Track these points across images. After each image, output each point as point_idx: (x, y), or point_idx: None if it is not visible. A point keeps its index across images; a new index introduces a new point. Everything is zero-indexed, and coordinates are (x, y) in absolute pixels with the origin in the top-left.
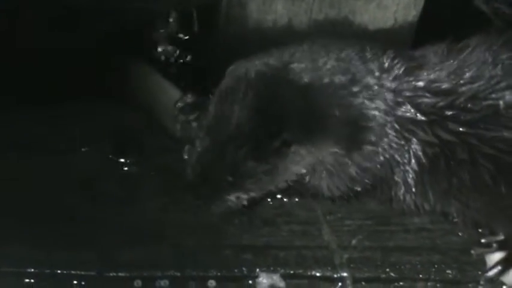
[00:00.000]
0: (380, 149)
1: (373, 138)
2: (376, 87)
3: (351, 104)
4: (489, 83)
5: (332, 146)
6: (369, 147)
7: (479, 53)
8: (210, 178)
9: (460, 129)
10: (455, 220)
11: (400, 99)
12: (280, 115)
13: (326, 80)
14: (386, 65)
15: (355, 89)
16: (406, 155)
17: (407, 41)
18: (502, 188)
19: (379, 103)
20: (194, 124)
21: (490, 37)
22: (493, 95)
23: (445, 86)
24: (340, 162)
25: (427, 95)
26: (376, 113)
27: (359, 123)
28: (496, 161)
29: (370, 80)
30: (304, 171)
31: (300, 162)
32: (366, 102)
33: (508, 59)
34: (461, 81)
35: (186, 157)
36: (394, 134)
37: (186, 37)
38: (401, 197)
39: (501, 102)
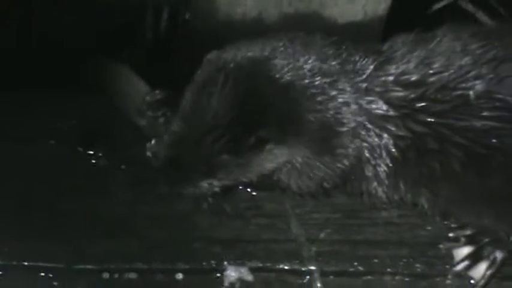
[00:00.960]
0: (351, 151)
1: (345, 142)
2: (350, 90)
3: (327, 109)
4: (459, 73)
5: (303, 149)
6: (340, 151)
7: (448, 43)
8: (182, 167)
9: (431, 120)
10: (426, 210)
11: (371, 98)
12: (258, 111)
13: (306, 81)
14: (359, 64)
15: (333, 93)
16: (378, 150)
17: (377, 34)
18: (471, 177)
19: (353, 106)
20: (161, 120)
21: (459, 27)
22: (463, 85)
23: (414, 77)
24: (310, 164)
25: (397, 88)
26: (350, 116)
27: (333, 129)
28: (466, 150)
29: (346, 83)
30: (277, 167)
31: (274, 160)
32: (341, 106)
33: (478, 48)
34: (431, 71)
35: (148, 153)
36: (365, 133)
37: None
38: (373, 191)
39: (471, 92)
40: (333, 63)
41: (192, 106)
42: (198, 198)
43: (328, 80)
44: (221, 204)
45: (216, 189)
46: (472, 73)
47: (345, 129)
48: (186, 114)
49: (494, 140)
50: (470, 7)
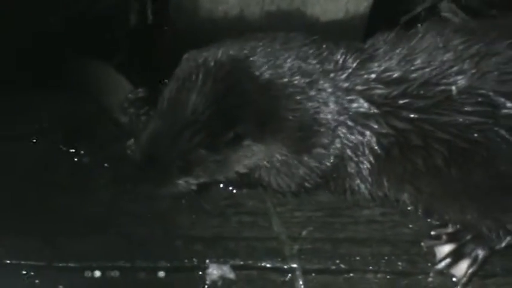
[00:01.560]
0: (331, 150)
1: (324, 141)
2: (330, 89)
3: (306, 109)
4: (441, 68)
5: (281, 147)
6: (320, 150)
7: (430, 39)
8: (159, 161)
9: (414, 116)
10: (408, 207)
11: (353, 96)
12: (237, 108)
13: (285, 80)
14: (339, 62)
15: (312, 92)
16: (360, 148)
17: (359, 32)
18: (453, 172)
19: (333, 105)
20: (143, 118)
21: (441, 24)
22: (446, 80)
23: (396, 74)
24: (288, 163)
25: (379, 86)
26: (330, 115)
27: (311, 128)
28: (449, 145)
29: (326, 82)
30: (254, 165)
31: (251, 158)
32: (321, 106)
33: (461, 44)
34: (413, 68)
35: (129, 151)
36: (347, 131)
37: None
38: (356, 188)
39: (453, 88)
40: (313, 62)
41: (170, 102)
42: (175, 196)
43: (307, 79)
44: (202, 202)
45: (193, 187)
46: (455, 68)
47: (324, 129)
48: (164, 110)
49: (476, 135)
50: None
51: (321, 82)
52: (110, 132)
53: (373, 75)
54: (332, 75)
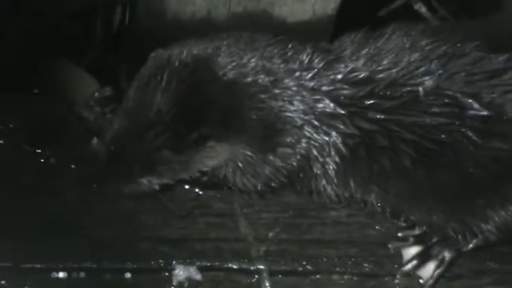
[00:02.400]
0: (297, 149)
1: (289, 140)
2: (295, 88)
3: (270, 107)
4: (408, 69)
5: (245, 147)
6: (285, 149)
7: (396, 40)
8: (123, 161)
9: (380, 116)
10: (376, 209)
11: (318, 96)
12: (200, 108)
13: (249, 80)
14: (305, 62)
15: (276, 91)
16: (326, 149)
17: (326, 33)
18: (420, 173)
19: (298, 104)
20: (109, 116)
21: (407, 25)
22: (412, 81)
23: (362, 75)
24: (253, 163)
25: (345, 86)
26: (295, 114)
27: (276, 127)
28: (416, 146)
29: (291, 82)
30: (218, 165)
31: (215, 158)
32: (285, 105)
33: (428, 44)
34: (379, 68)
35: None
36: (312, 131)
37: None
38: (322, 189)
39: (420, 88)
40: (278, 61)
41: (135, 101)
42: (138, 196)
43: (271, 78)
44: (168, 203)
45: (156, 187)
46: (422, 69)
47: (289, 127)
48: (129, 109)
49: (443, 136)
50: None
51: (286, 81)
52: (76, 133)
53: (339, 76)
54: (297, 74)
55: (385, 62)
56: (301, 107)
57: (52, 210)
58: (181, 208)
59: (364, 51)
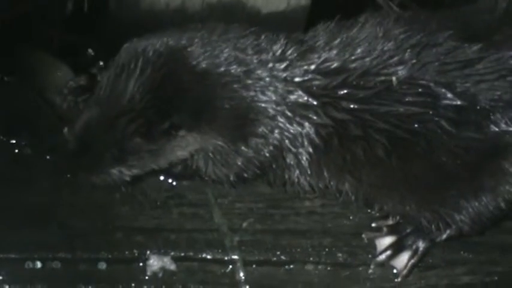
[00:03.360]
0: (270, 140)
1: (261, 130)
2: (268, 79)
3: (242, 97)
4: (381, 58)
5: (216, 137)
6: (257, 139)
7: (370, 29)
8: (93, 149)
9: (354, 106)
10: (349, 199)
11: (291, 87)
12: (172, 97)
13: (222, 70)
14: (278, 53)
15: (249, 81)
16: (299, 139)
17: (301, 24)
18: (394, 162)
19: (270, 95)
20: (82, 106)
21: (380, 14)
22: (386, 71)
23: (335, 64)
24: (225, 153)
25: (318, 77)
26: (267, 105)
27: (248, 117)
28: (389, 135)
29: (263, 72)
30: (189, 155)
31: (186, 148)
32: (258, 95)
33: (401, 34)
34: (352, 58)
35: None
36: (285, 122)
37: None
38: (296, 179)
39: (394, 78)
40: (251, 52)
41: (108, 89)
42: (110, 187)
43: (244, 69)
44: (143, 193)
45: (127, 178)
46: (395, 59)
47: (261, 117)
48: (101, 97)
49: (417, 125)
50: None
51: (258, 72)
52: (51, 123)
53: (312, 66)
54: (270, 65)
55: (358, 52)
56: (274, 98)
57: (26, 200)
58: (156, 198)
59: (337, 41)
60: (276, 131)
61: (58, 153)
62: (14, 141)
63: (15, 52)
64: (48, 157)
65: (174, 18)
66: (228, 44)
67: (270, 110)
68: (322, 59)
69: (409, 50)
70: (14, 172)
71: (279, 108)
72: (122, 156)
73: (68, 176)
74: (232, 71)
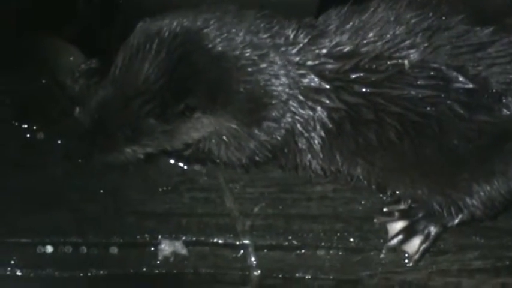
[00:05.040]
0: (282, 124)
1: (274, 114)
2: (281, 63)
3: (257, 81)
4: (393, 42)
5: (231, 120)
6: (270, 123)
7: (381, 13)
8: (107, 128)
9: (366, 90)
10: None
11: (303, 71)
12: (188, 79)
13: (237, 53)
14: (291, 37)
15: (263, 65)
16: (311, 123)
17: (312, 8)
18: (406, 145)
19: (284, 79)
20: (93, 88)
21: None
22: (398, 54)
23: (347, 48)
24: (238, 136)
25: (330, 61)
26: (280, 89)
27: (262, 101)
28: (401, 118)
29: (277, 56)
30: (202, 137)
31: (200, 130)
32: (272, 79)
33: (413, 18)
34: (364, 41)
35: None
36: (297, 106)
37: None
38: (308, 163)
39: (406, 61)
40: (264, 36)
41: (123, 69)
42: (122, 164)
43: (258, 52)
44: (154, 178)
45: (140, 156)
46: (407, 42)
47: (274, 101)
48: (116, 77)
49: (429, 108)
50: None
51: (272, 55)
52: (62, 108)
53: (324, 50)
54: (283, 49)
55: (370, 36)
56: (287, 82)
57: (37, 185)
58: (168, 183)
59: (349, 25)
60: (289, 114)
61: (70, 137)
62: (25, 126)
63: (26, 36)
64: (59, 142)
65: (181, 3)
66: (242, 27)
67: (283, 94)
68: (333, 43)
69: (421, 34)
70: (26, 157)
71: (291, 92)
72: (136, 136)
73: (80, 160)
74: (247, 54)
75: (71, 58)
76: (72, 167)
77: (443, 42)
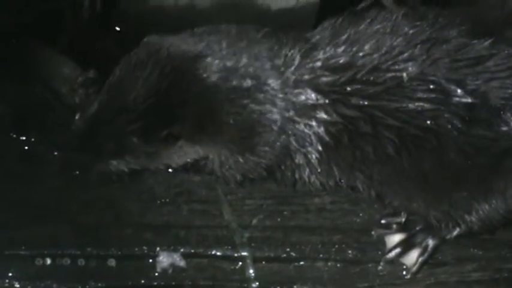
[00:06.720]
0: (276, 146)
1: (268, 139)
2: (279, 87)
3: (250, 112)
4: (391, 54)
5: (221, 149)
6: (264, 148)
7: (378, 24)
8: (95, 138)
9: (363, 102)
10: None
11: (300, 89)
12: (176, 106)
13: (233, 84)
14: (289, 56)
15: (259, 95)
16: (308, 139)
17: (310, 21)
18: (404, 159)
19: (280, 103)
20: (92, 98)
21: (389, 9)
22: (396, 66)
23: (343, 60)
24: (231, 159)
25: (326, 73)
26: (275, 116)
27: (254, 130)
28: (399, 132)
29: (274, 80)
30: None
31: (183, 157)
32: (266, 106)
33: (411, 29)
34: (361, 54)
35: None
36: (293, 126)
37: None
38: (306, 179)
39: (404, 74)
40: (264, 60)
41: (116, 83)
42: (107, 175)
43: (255, 82)
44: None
45: (125, 169)
46: (405, 54)
47: (268, 129)
48: (109, 90)
49: (427, 122)
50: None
51: (270, 81)
52: (60, 120)
53: (318, 63)
54: (282, 69)
55: (366, 47)
56: (283, 105)
57: (35, 197)
58: (166, 195)
59: (344, 37)
60: (284, 136)
61: (66, 149)
62: (23, 138)
63: (23, 48)
64: (56, 153)
65: (182, 14)
66: (243, 54)
67: (278, 120)
68: (328, 54)
69: (419, 46)
70: (24, 169)
71: (287, 115)
72: (120, 151)
73: (77, 172)
74: (243, 84)
75: (67, 70)
76: (70, 179)
77: (442, 54)
